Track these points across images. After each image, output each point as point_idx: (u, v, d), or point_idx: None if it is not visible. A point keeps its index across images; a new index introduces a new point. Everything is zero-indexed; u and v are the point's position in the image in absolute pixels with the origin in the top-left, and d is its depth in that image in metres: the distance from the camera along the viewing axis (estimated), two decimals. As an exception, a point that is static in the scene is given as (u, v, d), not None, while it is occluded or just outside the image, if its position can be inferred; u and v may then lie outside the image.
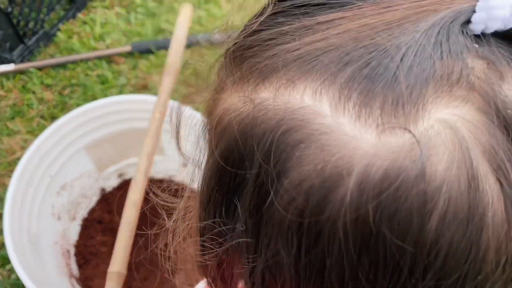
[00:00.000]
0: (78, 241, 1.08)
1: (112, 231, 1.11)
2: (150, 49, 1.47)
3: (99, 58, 1.45)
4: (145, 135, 0.50)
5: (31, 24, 1.40)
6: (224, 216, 0.26)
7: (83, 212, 1.10)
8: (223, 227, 0.26)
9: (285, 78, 0.24)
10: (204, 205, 0.27)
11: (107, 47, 1.50)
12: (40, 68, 1.42)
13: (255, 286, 0.26)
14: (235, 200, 0.25)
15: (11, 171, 1.28)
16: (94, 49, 1.49)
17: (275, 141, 0.23)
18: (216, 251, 0.26)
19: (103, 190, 1.14)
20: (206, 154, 0.30)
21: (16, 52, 1.39)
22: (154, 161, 1.15)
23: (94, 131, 0.94)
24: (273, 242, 0.23)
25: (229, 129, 0.26)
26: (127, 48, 1.46)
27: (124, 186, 1.16)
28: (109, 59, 1.47)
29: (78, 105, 1.38)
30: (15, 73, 1.40)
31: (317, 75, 0.23)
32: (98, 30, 1.52)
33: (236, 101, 0.26)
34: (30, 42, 1.42)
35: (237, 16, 0.58)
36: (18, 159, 1.30)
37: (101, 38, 1.52)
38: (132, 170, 1.15)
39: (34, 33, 1.42)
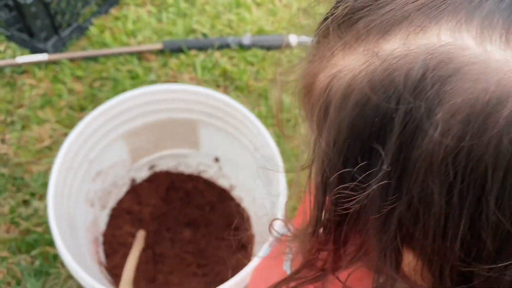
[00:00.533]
0: (106, 231, 1.07)
1: (140, 221, 1.11)
2: (181, 48, 1.49)
3: (131, 54, 1.47)
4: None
5: (66, 16, 1.42)
6: (361, 163, 0.26)
7: (112, 202, 1.10)
8: (361, 176, 0.26)
9: (412, 26, 0.25)
10: (334, 160, 0.27)
11: (138, 43, 1.51)
12: (72, 60, 1.43)
13: (387, 234, 0.26)
14: (375, 145, 0.25)
15: (39, 158, 1.29)
16: (126, 44, 1.50)
17: (424, 78, 0.24)
18: (353, 200, 0.26)
19: (133, 181, 1.14)
20: (310, 123, 0.32)
21: (50, 43, 1.41)
22: (186, 155, 1.15)
23: (135, 119, 0.95)
24: (421, 178, 0.24)
25: (354, 86, 0.26)
26: (159, 45, 1.48)
27: (154, 178, 1.16)
28: (140, 55, 1.48)
29: (107, 98, 1.39)
30: (47, 63, 1.41)
31: (450, 17, 0.24)
32: (130, 26, 1.54)
33: (354, 61, 0.27)
34: (64, 34, 1.44)
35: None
36: (46, 147, 1.31)
37: (132, 34, 1.53)
38: (164, 163, 1.15)
39: (68, 25, 1.44)
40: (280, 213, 0.84)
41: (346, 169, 0.27)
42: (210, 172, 1.19)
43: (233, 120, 0.95)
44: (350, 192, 0.26)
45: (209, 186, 1.21)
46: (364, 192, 0.26)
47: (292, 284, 0.36)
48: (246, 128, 0.93)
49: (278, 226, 0.51)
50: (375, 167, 0.25)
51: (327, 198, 0.29)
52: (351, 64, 0.27)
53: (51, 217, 0.73)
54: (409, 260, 0.28)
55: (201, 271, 1.09)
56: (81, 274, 0.72)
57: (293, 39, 1.57)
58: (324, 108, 0.28)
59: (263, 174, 0.97)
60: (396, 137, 0.24)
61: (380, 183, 0.25)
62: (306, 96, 0.31)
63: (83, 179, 0.92)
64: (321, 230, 0.30)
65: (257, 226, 1.12)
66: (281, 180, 0.86)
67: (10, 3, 1.34)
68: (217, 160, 1.14)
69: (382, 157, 0.25)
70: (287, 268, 0.44)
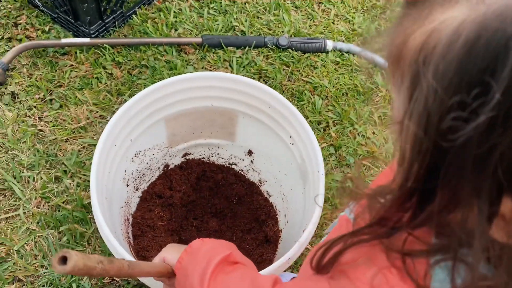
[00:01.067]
0: (136, 213, 1.08)
1: (170, 206, 1.12)
2: (220, 44, 1.51)
3: (170, 45, 1.49)
4: None
5: (112, 3, 1.45)
6: (470, 97, 0.28)
7: (145, 185, 1.11)
8: (471, 107, 0.27)
9: None
10: (440, 102, 0.29)
11: (178, 35, 1.54)
12: (113, 46, 1.46)
13: (486, 176, 0.27)
14: (486, 78, 0.27)
15: (74, 138, 1.31)
16: (166, 35, 1.53)
17: None
18: (458, 133, 0.28)
19: (166, 166, 1.15)
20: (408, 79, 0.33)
21: (93, 27, 1.44)
22: (220, 145, 1.16)
23: (177, 103, 0.96)
24: None
25: (462, 31, 0.29)
26: (198, 39, 1.50)
27: (186, 166, 1.17)
28: (179, 47, 1.51)
29: (145, 86, 1.41)
30: (89, 46, 1.45)
31: None
32: (171, 18, 1.57)
33: (456, 12, 0.29)
34: (108, 20, 1.47)
35: None
36: (82, 127, 1.33)
37: (173, 26, 1.56)
38: (198, 151, 1.16)
39: (112, 12, 1.47)
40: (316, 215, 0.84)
41: (453, 107, 0.28)
42: (241, 165, 1.20)
43: (273, 112, 0.96)
44: (456, 123, 0.27)
45: (239, 179, 1.21)
46: (471, 123, 0.27)
47: (362, 237, 0.38)
48: (286, 122, 0.93)
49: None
50: (485, 98, 0.27)
51: (426, 146, 0.30)
52: (454, 15, 0.29)
53: (92, 189, 0.75)
54: (508, 208, 0.29)
55: (225, 261, 1.09)
56: (120, 250, 0.73)
57: (329, 44, 1.58)
58: (423, 60, 0.30)
59: (299, 171, 0.98)
60: (510, 67, 0.26)
61: (488, 115, 0.26)
62: (396, 58, 0.34)
63: (123, 157, 0.93)
64: (409, 183, 0.31)
65: (284, 222, 1.12)
66: (321, 178, 0.86)
67: (60, -15, 1.38)
68: (250, 153, 1.15)
69: (493, 88, 0.26)
70: (348, 214, 0.47)
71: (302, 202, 0.94)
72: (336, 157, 1.38)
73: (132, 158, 0.99)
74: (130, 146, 0.95)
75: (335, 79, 1.53)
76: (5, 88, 1.36)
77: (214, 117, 1.03)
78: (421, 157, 0.30)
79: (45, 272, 1.12)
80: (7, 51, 1.40)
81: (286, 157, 1.01)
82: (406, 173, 0.31)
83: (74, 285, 1.11)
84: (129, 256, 0.75)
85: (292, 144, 0.96)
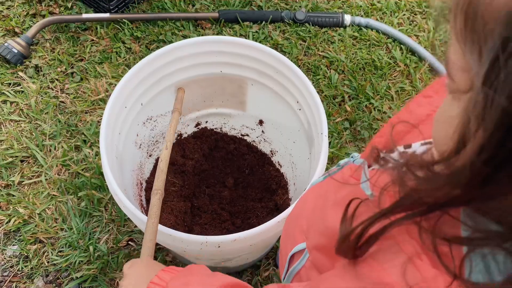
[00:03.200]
0: (150, 178, 1.12)
1: (182, 173, 1.14)
2: (237, 18, 1.52)
3: (187, 20, 1.51)
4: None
5: (131, -21, 1.48)
6: None
7: (158, 152, 1.14)
8: None
9: None
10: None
11: (196, 11, 1.56)
12: (132, 21, 1.49)
13: None
14: None
15: (93, 109, 1.36)
16: (184, 11, 1.55)
17: None
18: None
19: (180, 135, 1.17)
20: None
21: (113, 3, 1.47)
22: (231, 115, 1.18)
23: (188, 69, 0.98)
24: None
25: None
26: (215, 14, 1.52)
27: (199, 135, 1.19)
28: (196, 22, 1.52)
29: (161, 59, 1.44)
30: (109, 21, 1.48)
31: None
32: (189, -6, 1.58)
33: None
34: (127, -4, 1.50)
35: None
36: (101, 99, 1.37)
37: (190, 2, 1.58)
38: (211, 120, 1.18)
39: (132, -12, 1.50)
40: (319, 169, 0.84)
41: None
42: (253, 136, 1.21)
43: (282, 78, 0.96)
44: None
45: (251, 149, 1.23)
46: None
47: (392, 217, 0.34)
48: (294, 87, 0.94)
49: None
50: None
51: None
52: None
53: (102, 147, 0.78)
54: None
55: (235, 228, 1.11)
56: (126, 204, 0.76)
57: (347, 18, 1.56)
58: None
59: (306, 137, 0.98)
60: None
61: None
62: (476, 10, 0.28)
63: (134, 120, 0.96)
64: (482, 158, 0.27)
65: (293, 190, 1.13)
66: (324, 141, 0.87)
67: (81, -39, 1.42)
68: (261, 122, 1.16)
69: None
70: (366, 190, 0.43)
71: (309, 167, 0.95)
72: (351, 131, 1.38)
73: (144, 123, 1.02)
74: (141, 110, 0.97)
75: (352, 54, 1.51)
76: (29, 61, 1.41)
77: (224, 85, 1.04)
78: (501, 131, 0.26)
79: (64, 235, 1.18)
80: (31, 26, 1.45)
81: (294, 124, 1.01)
82: (480, 148, 0.27)
83: (91, 247, 1.16)
84: (139, 213, 0.78)
85: (299, 109, 0.96)
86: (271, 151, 1.21)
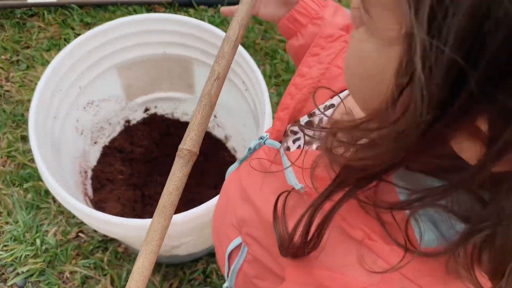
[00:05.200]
0: (96, 166, 1.07)
1: (131, 161, 1.10)
2: (191, 2, 1.47)
3: (140, 4, 1.46)
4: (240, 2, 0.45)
5: (79, -38, 1.42)
6: None
7: (105, 140, 1.10)
8: None
9: None
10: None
11: (149, -5, 1.51)
12: (81, 6, 1.44)
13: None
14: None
15: (40, 98, 1.30)
16: (136, -5, 1.50)
17: None
18: None
19: (127, 122, 1.13)
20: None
21: (61, -13, 1.41)
22: (181, 100, 1.14)
23: (128, 49, 0.94)
24: None
25: None
26: (168, -2, 1.47)
27: (149, 121, 1.15)
28: (149, 7, 1.48)
29: (113, 45, 1.39)
30: (57, 7, 1.42)
31: None
32: (142, -22, 1.53)
33: None
34: (76, -20, 1.44)
35: None
36: (49, 88, 1.31)
37: (144, -14, 1.53)
38: (161, 105, 1.14)
39: (80, -28, 1.44)
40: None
41: None
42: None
43: (227, 58, 0.93)
44: None
45: (205, 136, 1.19)
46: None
47: (335, 197, 0.30)
48: (239, 67, 0.91)
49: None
50: None
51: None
52: None
53: (31, 129, 0.73)
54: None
55: (188, 215, 1.08)
56: (59, 191, 0.72)
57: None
58: None
59: (253, 118, 0.95)
60: None
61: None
62: None
63: (72, 104, 0.91)
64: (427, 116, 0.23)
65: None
66: (267, 119, 0.84)
67: None
68: (212, 106, 1.13)
69: None
70: (293, 182, 0.38)
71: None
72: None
73: (85, 108, 0.97)
74: (80, 93, 0.93)
75: (310, 36, 1.49)
76: (-29, 49, 1.34)
77: (170, 66, 1.01)
78: (449, 86, 0.22)
79: (9, 228, 1.12)
80: (-26, 13, 1.38)
81: (242, 106, 0.98)
82: (426, 107, 0.23)
83: (38, 240, 1.11)
84: (79, 204, 0.73)
85: (246, 90, 0.93)
86: (225, 136, 1.18)
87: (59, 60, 0.81)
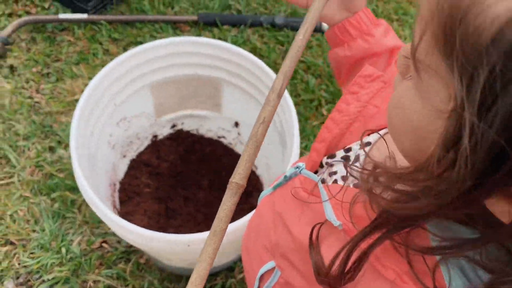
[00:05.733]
0: (123, 179, 1.11)
1: (157, 175, 1.14)
2: (216, 22, 1.52)
3: (166, 22, 1.52)
4: (285, 57, 0.51)
5: (109, -19, 1.48)
6: None
7: (133, 153, 1.13)
8: None
9: None
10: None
11: (175, 13, 1.56)
12: (110, 22, 1.49)
13: None
14: None
15: (69, 110, 1.34)
16: (163, 13, 1.55)
17: None
18: None
19: (155, 136, 1.17)
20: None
21: (91, 4, 1.47)
22: (207, 117, 1.18)
23: (161, 70, 0.98)
24: None
25: None
26: (194, 17, 1.52)
27: (175, 137, 1.19)
28: (175, 25, 1.53)
29: (139, 61, 1.44)
30: (87, 22, 1.48)
31: None
32: (168, -3, 1.59)
33: None
34: (106, -3, 1.49)
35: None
36: (77, 100, 1.36)
37: (170, 4, 1.58)
38: (187, 122, 1.18)
39: (110, -10, 1.50)
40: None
41: None
42: (229, 138, 1.21)
43: (255, 80, 0.97)
44: None
45: (227, 152, 1.23)
46: None
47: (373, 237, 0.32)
48: (266, 87, 0.95)
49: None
50: None
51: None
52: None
53: (72, 144, 0.77)
54: None
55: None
56: (97, 203, 0.75)
57: (325, 24, 1.58)
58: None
59: (279, 136, 0.99)
60: None
61: None
62: (450, 30, 0.25)
63: (107, 121, 0.95)
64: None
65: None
66: (296, 141, 0.88)
67: (59, -38, 1.41)
68: (237, 124, 1.17)
69: None
70: (331, 218, 0.40)
71: (282, 169, 0.96)
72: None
73: (118, 123, 1.01)
74: (115, 110, 0.97)
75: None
76: (4, 61, 1.39)
77: (200, 86, 1.05)
78: (489, 161, 0.24)
79: (36, 236, 1.16)
80: (6, 26, 1.44)
81: (269, 127, 1.02)
82: (468, 174, 0.25)
83: (63, 249, 1.14)
84: (113, 215, 0.77)
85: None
86: (247, 153, 1.21)
87: (98, 79, 0.86)
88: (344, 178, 0.45)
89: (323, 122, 1.41)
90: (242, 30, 1.55)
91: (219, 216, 0.48)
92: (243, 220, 0.78)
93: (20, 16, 1.47)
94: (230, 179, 0.49)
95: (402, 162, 0.33)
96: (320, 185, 0.45)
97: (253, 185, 1.18)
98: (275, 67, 1.51)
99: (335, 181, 0.46)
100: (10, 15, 1.48)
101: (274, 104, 0.53)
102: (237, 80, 1.02)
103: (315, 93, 1.46)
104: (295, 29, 1.57)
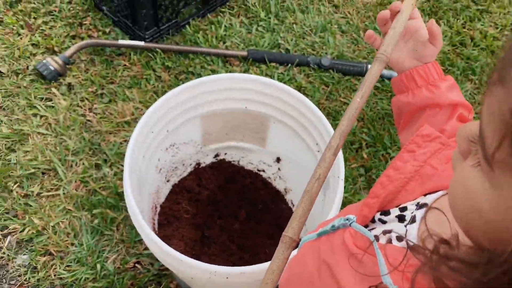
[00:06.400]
0: (164, 203, 1.14)
1: (197, 202, 1.16)
2: (264, 59, 1.58)
3: (217, 55, 1.58)
4: (342, 117, 0.53)
5: (168, 12, 1.56)
6: None
7: (176, 178, 1.17)
8: None
9: None
10: None
11: (226, 48, 1.62)
12: (164, 51, 1.56)
13: None
14: None
15: (118, 131, 1.40)
16: (215, 47, 1.62)
17: None
18: None
19: (198, 164, 1.21)
20: None
21: (149, 33, 1.55)
22: (251, 150, 1.21)
23: (213, 103, 1.02)
24: None
25: None
26: (244, 53, 1.58)
27: (217, 166, 1.22)
28: (225, 59, 1.59)
29: (188, 90, 1.50)
30: (143, 49, 1.55)
31: None
32: (221, 31, 1.66)
33: None
34: (163, 27, 1.58)
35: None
36: (126, 122, 1.42)
37: (222, 39, 1.65)
38: (230, 152, 1.21)
39: (168, 20, 1.58)
40: (332, 214, 0.86)
41: None
42: (269, 172, 1.23)
43: (303, 119, 1.00)
44: None
45: (266, 186, 1.25)
46: None
47: None
48: (315, 129, 0.97)
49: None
50: None
51: None
52: None
53: (126, 170, 0.81)
54: None
55: (242, 263, 1.12)
56: (143, 225, 0.78)
57: (371, 69, 1.60)
58: None
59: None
60: None
61: None
62: None
63: (158, 146, 0.99)
64: None
65: (304, 230, 1.13)
66: (340, 185, 0.88)
67: (125, -8, 1.51)
68: (278, 160, 1.19)
69: None
70: (388, 282, 0.39)
71: (321, 209, 0.96)
72: (366, 178, 1.39)
73: (167, 149, 1.05)
74: (167, 136, 1.01)
75: (373, 103, 1.55)
76: (64, 79, 1.48)
77: (247, 120, 1.08)
78: None
79: (74, 250, 1.19)
80: (70, 47, 1.53)
81: (312, 164, 1.03)
82: None
83: (99, 265, 1.17)
84: (155, 236, 0.79)
85: (318, 151, 0.99)
86: (285, 189, 1.22)
87: (155, 107, 0.90)
88: (399, 239, 0.44)
89: (363, 165, 1.41)
90: (289, 68, 1.59)
91: (271, 268, 0.49)
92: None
93: (82, 38, 1.57)
94: (284, 233, 0.51)
95: (463, 238, 0.33)
96: (376, 245, 0.44)
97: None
98: (319, 106, 1.53)
99: (389, 241, 0.45)
100: (73, 37, 1.58)
101: (330, 161, 0.55)
102: (284, 117, 1.04)
103: (356, 136, 1.47)
104: (340, 71, 1.60)
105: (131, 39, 1.59)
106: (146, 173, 0.96)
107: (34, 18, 1.60)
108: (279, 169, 1.20)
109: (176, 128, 1.02)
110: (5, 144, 1.34)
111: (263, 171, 1.24)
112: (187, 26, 1.65)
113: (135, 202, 0.82)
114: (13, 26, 1.57)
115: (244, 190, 1.23)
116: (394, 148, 1.45)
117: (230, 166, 1.24)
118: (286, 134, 1.07)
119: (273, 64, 1.59)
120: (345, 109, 1.53)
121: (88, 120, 1.42)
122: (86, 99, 1.46)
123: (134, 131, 0.87)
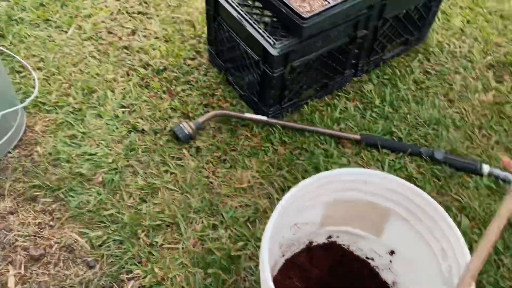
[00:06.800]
0: (276, 276, 1.21)
1: (307, 280, 1.22)
2: (377, 144, 1.64)
3: (331, 136, 1.68)
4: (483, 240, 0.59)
5: (291, 93, 1.71)
6: None
7: (289, 253, 1.24)
8: None
9: None
10: None
11: (340, 130, 1.72)
12: (283, 127, 1.70)
13: None
14: None
15: (235, 195, 1.52)
16: (330, 127, 1.72)
17: None
18: None
19: (310, 242, 1.27)
20: None
21: (272, 109, 1.70)
22: (364, 238, 1.25)
23: (339, 192, 1.10)
24: None
25: None
26: (357, 136, 1.66)
27: (328, 247, 1.28)
28: (338, 140, 1.68)
29: (302, 166, 1.60)
30: (264, 123, 1.70)
31: None
32: (336, 114, 1.77)
33: None
34: (284, 105, 1.72)
35: None
36: (243, 189, 1.54)
37: (336, 121, 1.75)
38: (342, 236, 1.27)
39: (289, 100, 1.73)
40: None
41: None
42: (378, 262, 1.26)
43: (428, 220, 1.03)
44: None
45: (373, 275, 1.27)
46: None
47: None
48: (440, 231, 1.00)
49: None
50: None
51: None
52: None
53: (265, 239, 0.90)
54: None
55: None
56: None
57: (485, 168, 1.60)
58: None
59: (442, 282, 1.01)
60: None
61: None
62: None
63: (286, 224, 1.08)
64: None
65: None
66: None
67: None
68: (392, 253, 1.21)
69: None
70: None
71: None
72: (476, 285, 1.35)
73: (290, 227, 1.14)
74: (294, 216, 1.10)
75: (486, 204, 1.53)
76: (194, 142, 1.66)
77: (367, 210, 1.14)
78: None
79: (187, 304, 1.29)
80: (202, 114, 1.72)
81: (431, 267, 1.05)
82: None
83: (207, 323, 1.25)
84: None
85: (442, 256, 1.01)
86: (393, 282, 1.24)
87: (294, 191, 1.00)
88: None
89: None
90: (400, 157, 1.64)
91: None
92: None
93: (213, 108, 1.76)
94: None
95: None
96: None
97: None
98: (427, 199, 1.55)
99: None
100: (206, 105, 1.78)
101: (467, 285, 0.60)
102: (404, 213, 1.09)
103: (467, 235, 1.45)
104: (453, 166, 1.61)
105: (255, 113, 1.75)
106: (272, 247, 1.05)
107: (175, 85, 1.84)
108: (390, 261, 1.22)
109: (302, 209, 1.10)
110: (139, 195, 1.52)
111: (372, 259, 1.27)
112: (305, 105, 1.78)
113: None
114: (157, 90, 1.82)
115: (351, 276, 1.26)
116: (508, 255, 1.41)
117: (340, 248, 1.29)
118: (408, 232, 1.11)
119: (385, 150, 1.65)
120: (455, 206, 1.52)
121: (211, 182, 1.57)
122: (211, 162, 1.61)
123: (275, 211, 0.96)
